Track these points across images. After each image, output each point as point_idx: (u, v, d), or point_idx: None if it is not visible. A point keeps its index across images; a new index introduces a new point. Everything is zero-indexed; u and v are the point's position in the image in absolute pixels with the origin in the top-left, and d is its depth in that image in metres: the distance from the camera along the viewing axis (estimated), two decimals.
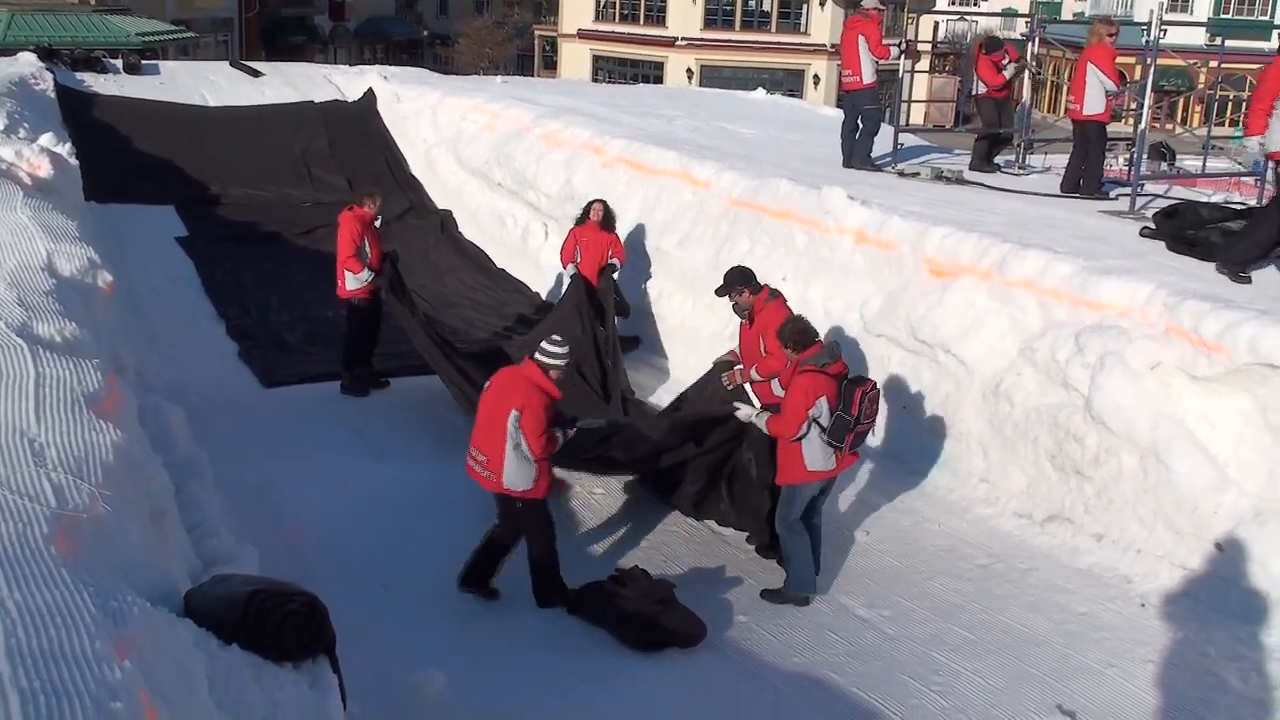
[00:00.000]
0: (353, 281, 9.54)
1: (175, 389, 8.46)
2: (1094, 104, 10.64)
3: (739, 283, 7.49)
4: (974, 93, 12.65)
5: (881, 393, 6.47)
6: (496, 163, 14.23)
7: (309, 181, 14.95)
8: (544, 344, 6.24)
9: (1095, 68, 10.51)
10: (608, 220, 10.34)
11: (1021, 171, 12.61)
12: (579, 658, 6.11)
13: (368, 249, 9.49)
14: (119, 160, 14.24)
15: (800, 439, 6.40)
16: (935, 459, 8.28)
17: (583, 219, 10.41)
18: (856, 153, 11.97)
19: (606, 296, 10.02)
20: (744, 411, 6.94)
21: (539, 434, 6.08)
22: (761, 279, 10.02)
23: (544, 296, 12.21)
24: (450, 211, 14.74)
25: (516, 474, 6.17)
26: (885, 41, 11.76)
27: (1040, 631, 6.43)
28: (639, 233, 11.48)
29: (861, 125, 11.99)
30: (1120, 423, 7.08)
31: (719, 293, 7.65)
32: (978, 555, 7.34)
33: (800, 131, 15.47)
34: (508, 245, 13.72)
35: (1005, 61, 12.29)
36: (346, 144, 15.87)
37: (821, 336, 6.78)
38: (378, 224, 9.79)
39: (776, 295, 7.55)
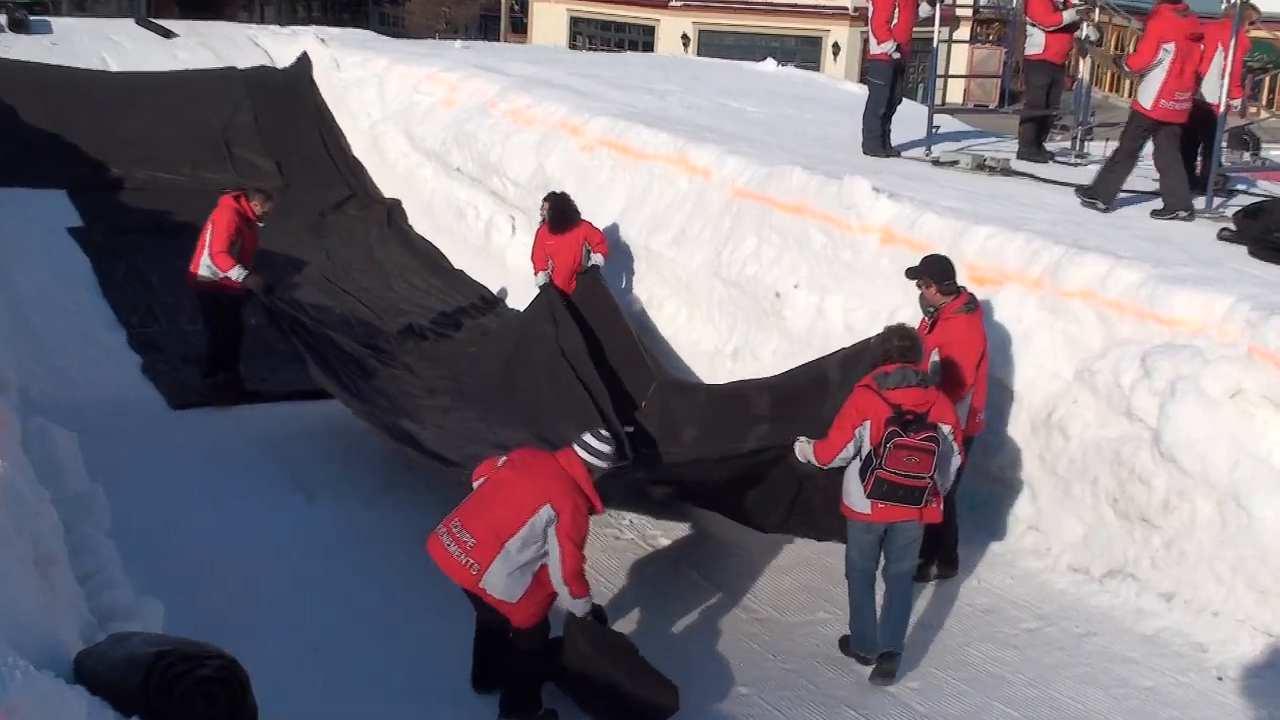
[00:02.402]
0: (206, 271, 9.61)
1: (66, 410, 8.43)
2: (1211, 92, 10.75)
3: (925, 273, 7.38)
4: (1025, 52, 12.62)
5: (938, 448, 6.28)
6: (455, 143, 14.26)
7: (230, 163, 14.94)
8: (588, 437, 5.96)
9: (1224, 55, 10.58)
10: (562, 217, 10.33)
11: (1079, 161, 12.69)
12: None
13: (240, 249, 9.63)
14: (0, 136, 14.21)
15: (838, 466, 6.54)
16: (975, 502, 8.30)
17: (544, 219, 10.47)
18: (863, 133, 12.16)
19: (603, 306, 10.03)
20: (799, 448, 6.91)
21: (578, 548, 5.73)
22: (770, 285, 10.22)
23: (510, 303, 12.17)
24: (399, 201, 14.77)
25: (505, 582, 5.74)
26: (923, 16, 11.92)
27: (1098, 708, 6.44)
28: (624, 229, 11.51)
29: (867, 101, 12.31)
30: (1194, 461, 7.12)
31: (909, 274, 7.53)
32: (1024, 617, 7.36)
33: (817, 110, 15.56)
34: (468, 242, 13.74)
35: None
36: (275, 119, 15.89)
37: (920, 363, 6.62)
38: (261, 225, 10.00)
39: (974, 308, 7.36)
